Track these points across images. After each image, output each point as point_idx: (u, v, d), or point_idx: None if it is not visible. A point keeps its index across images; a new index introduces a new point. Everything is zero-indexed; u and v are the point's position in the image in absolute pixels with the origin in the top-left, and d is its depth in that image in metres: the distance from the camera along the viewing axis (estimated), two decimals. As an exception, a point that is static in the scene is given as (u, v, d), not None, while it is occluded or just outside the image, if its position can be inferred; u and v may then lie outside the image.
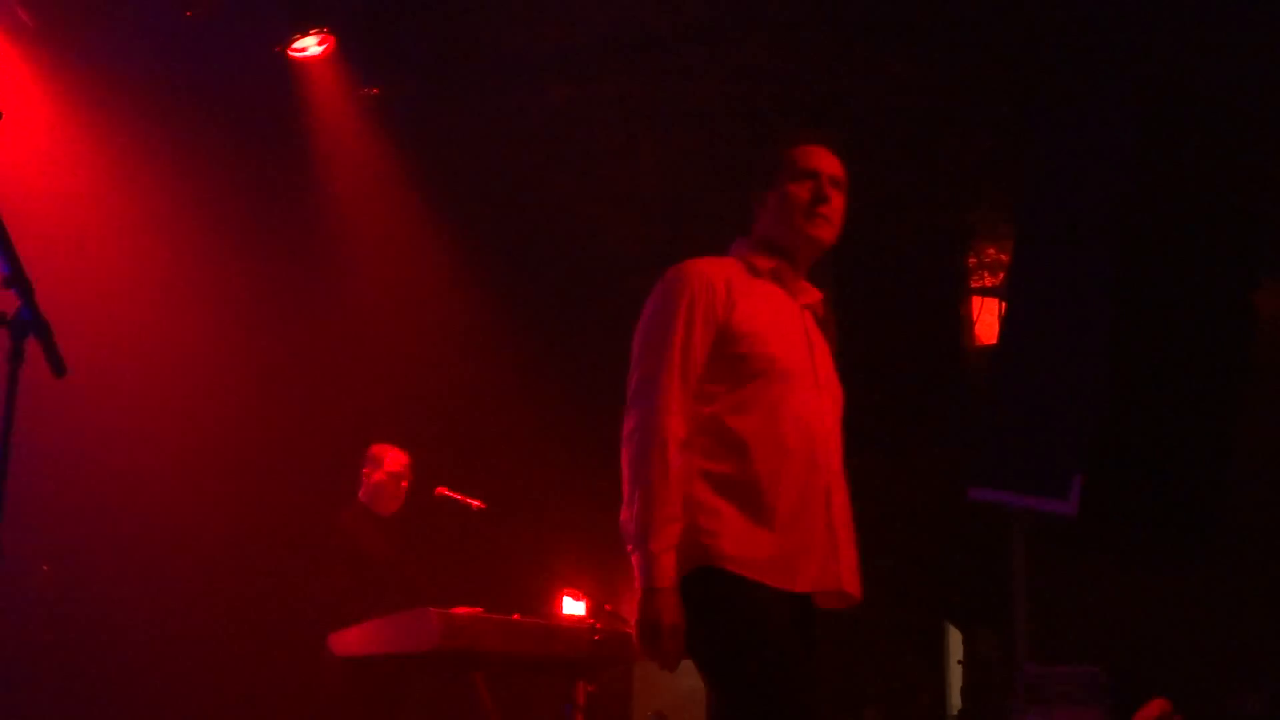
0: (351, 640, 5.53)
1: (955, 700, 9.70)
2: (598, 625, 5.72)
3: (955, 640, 10.04)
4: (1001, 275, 8.47)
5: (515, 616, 5.66)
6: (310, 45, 6.52)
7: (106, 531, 6.85)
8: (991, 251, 8.65)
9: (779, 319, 3.28)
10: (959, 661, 9.46)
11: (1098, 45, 6.43)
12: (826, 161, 3.37)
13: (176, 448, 7.10)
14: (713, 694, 3.06)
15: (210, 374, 7.25)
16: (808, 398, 3.23)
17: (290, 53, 6.54)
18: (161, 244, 7.09)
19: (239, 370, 7.35)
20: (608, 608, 6.04)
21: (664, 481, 3.04)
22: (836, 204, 3.36)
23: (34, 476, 4.67)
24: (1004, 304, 6.99)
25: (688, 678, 3.14)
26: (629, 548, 3.05)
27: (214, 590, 7.11)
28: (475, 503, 6.19)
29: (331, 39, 6.50)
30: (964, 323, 8.16)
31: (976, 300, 8.40)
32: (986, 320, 8.30)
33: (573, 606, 7.84)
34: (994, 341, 7.48)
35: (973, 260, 8.62)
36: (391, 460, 6.39)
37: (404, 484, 6.40)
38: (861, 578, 3.29)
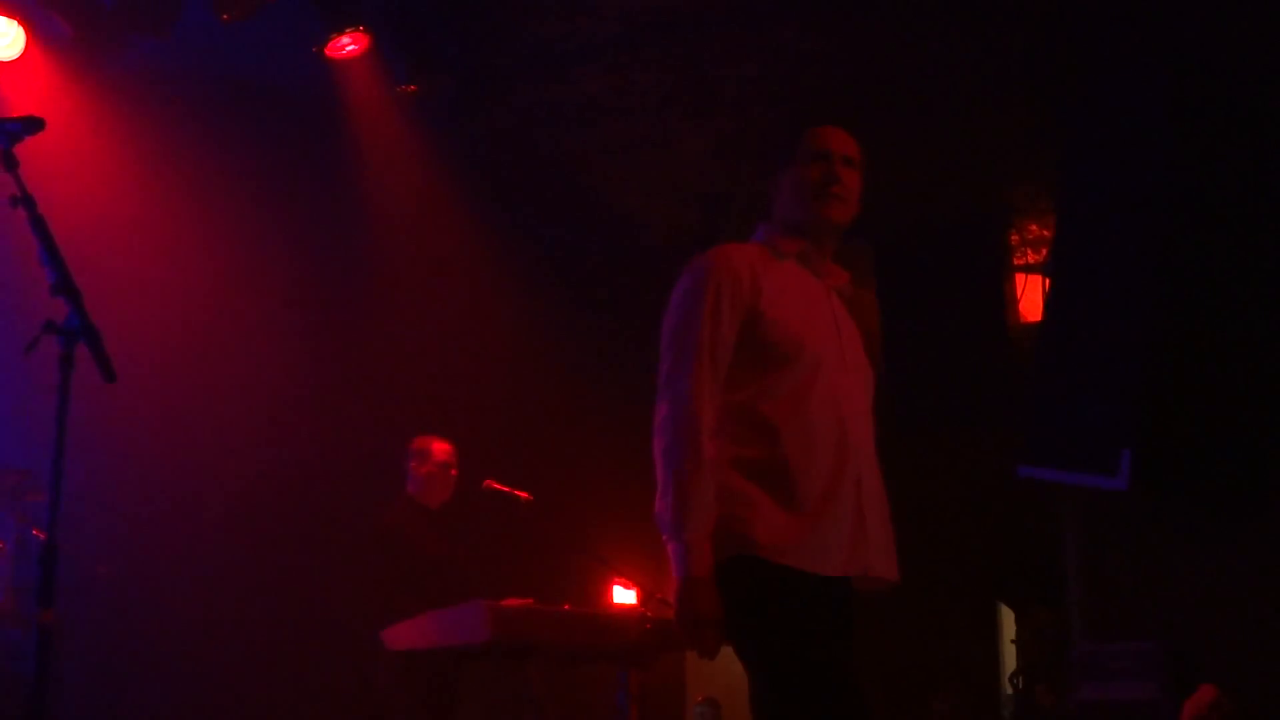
0: (404, 634, 5.56)
1: (1009, 680, 9.66)
2: (649, 614, 5.72)
3: (1008, 619, 10.00)
4: (1044, 251, 8.41)
5: (566, 607, 5.67)
6: (346, 44, 6.54)
7: (160, 533, 6.93)
8: (1034, 228, 8.59)
9: (806, 303, 3.28)
10: (1012, 641, 9.42)
11: (1135, 17, 6.37)
12: (838, 141, 3.36)
13: (226, 449, 7.17)
14: (752, 679, 3.07)
15: (255, 374, 7.31)
16: (837, 381, 3.23)
17: (327, 52, 6.56)
18: (205, 247, 7.15)
19: (283, 369, 7.40)
20: (658, 596, 6.05)
21: (696, 470, 3.05)
22: (849, 183, 3.35)
23: (87, 480, 4.74)
24: (1048, 280, 6.95)
25: (739, 663, 3.14)
26: (664, 538, 3.06)
27: (266, 587, 7.17)
28: (523, 494, 6.21)
29: (366, 38, 6.52)
30: (1008, 300, 8.11)
31: (1020, 277, 8.35)
32: (1031, 297, 8.26)
33: (623, 596, 7.85)
34: (1039, 318, 7.44)
35: (1015, 237, 8.56)
36: (438, 450, 6.43)
37: (453, 473, 6.44)
38: (903, 560, 3.28)
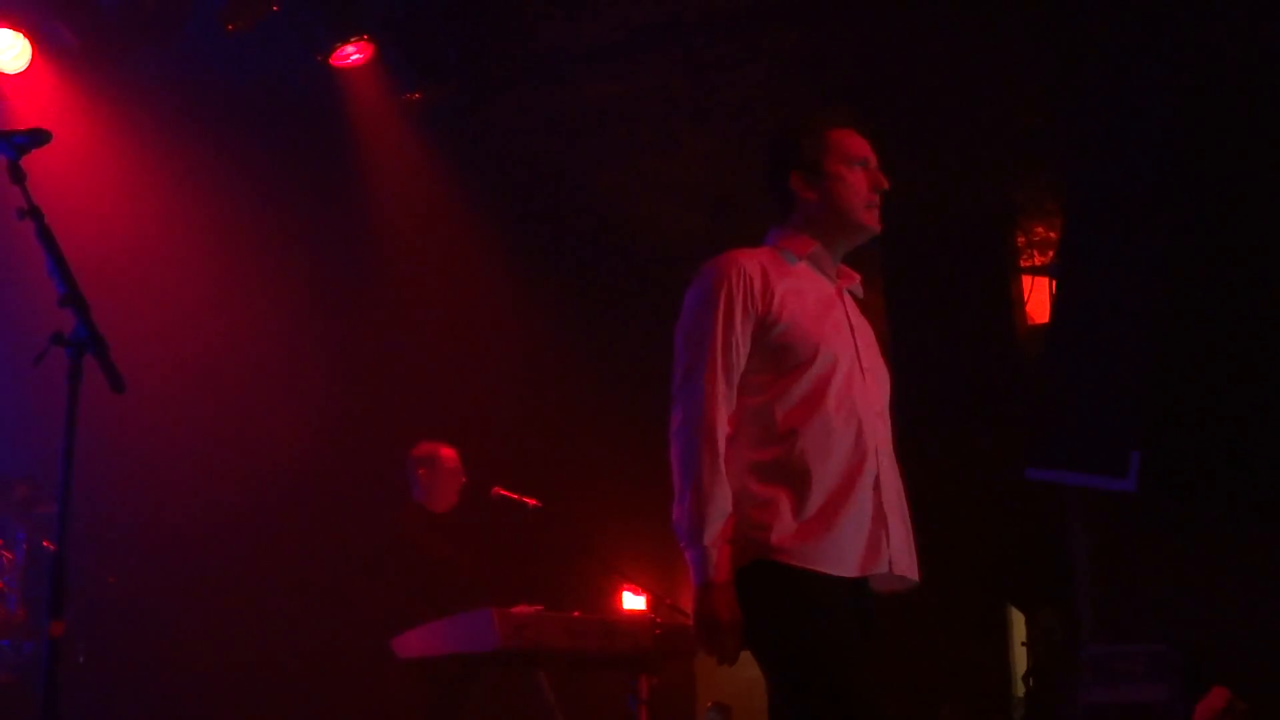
0: (414, 642, 5.56)
1: (1019, 682, 9.64)
2: (658, 619, 5.73)
3: (1018, 622, 9.98)
4: (1051, 253, 8.40)
5: (576, 613, 5.67)
6: (351, 53, 6.56)
7: (170, 544, 6.94)
8: (1040, 229, 8.58)
9: (818, 305, 3.28)
10: (1023, 644, 9.40)
11: (1143, 15, 6.36)
12: (868, 147, 3.38)
13: (234, 458, 7.17)
14: (771, 684, 3.07)
15: (262, 382, 7.31)
16: (853, 382, 3.23)
17: (332, 61, 6.57)
18: (211, 256, 7.16)
19: (290, 376, 7.41)
20: (668, 601, 6.05)
21: (713, 477, 3.05)
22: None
23: (96, 491, 4.74)
24: (1055, 282, 6.95)
25: (749, 668, 3.14)
26: (682, 544, 3.06)
27: (277, 596, 7.18)
28: (532, 501, 6.22)
29: (371, 46, 6.53)
30: (1015, 302, 8.10)
31: (1026, 279, 8.34)
32: (1038, 299, 8.25)
33: (633, 601, 7.85)
34: (1046, 320, 7.43)
35: (1021, 239, 8.55)
36: (447, 458, 6.45)
37: (462, 479, 6.46)
38: (920, 559, 3.29)
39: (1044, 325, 7.59)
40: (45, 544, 5.85)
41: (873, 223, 3.35)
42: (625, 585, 7.74)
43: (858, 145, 3.36)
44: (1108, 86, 6.04)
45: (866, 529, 3.15)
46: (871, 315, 3.55)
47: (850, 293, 3.43)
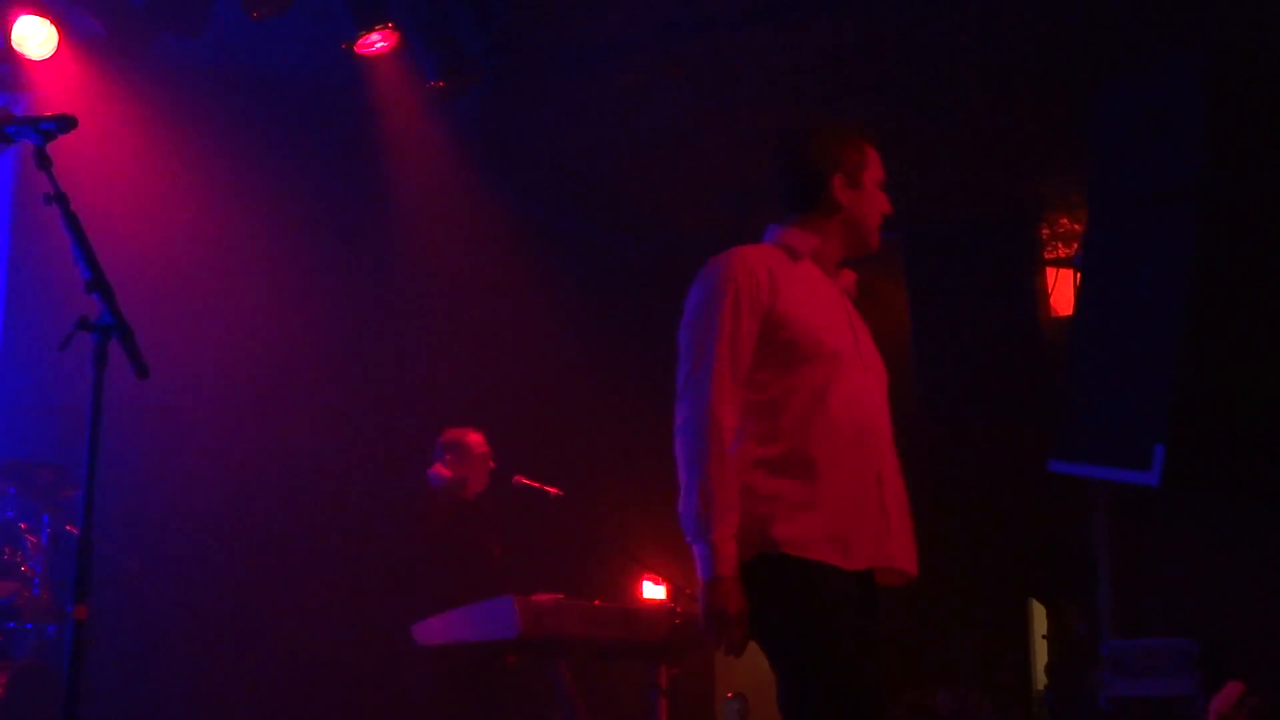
0: (435, 629, 5.58)
1: (1040, 675, 9.63)
2: (678, 609, 5.73)
3: (1039, 615, 9.97)
4: (1075, 245, 8.37)
5: (596, 602, 5.68)
6: (376, 41, 6.57)
7: (192, 528, 6.96)
8: (1065, 222, 8.55)
9: (822, 301, 3.31)
10: (1044, 636, 9.39)
11: (1169, 6, 6.33)
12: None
13: (258, 444, 7.19)
14: (778, 675, 3.10)
15: (286, 368, 7.33)
16: (856, 378, 3.26)
17: (357, 49, 6.58)
18: (234, 243, 7.18)
19: (314, 363, 7.43)
20: (688, 591, 6.05)
21: (719, 472, 3.07)
22: None
23: (120, 475, 4.76)
24: (1079, 274, 6.92)
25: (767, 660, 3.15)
26: (688, 539, 3.08)
27: (300, 580, 7.19)
28: (553, 490, 6.23)
29: (396, 34, 6.53)
30: (1039, 295, 8.08)
31: (1051, 271, 8.33)
32: (1062, 291, 8.23)
33: (653, 591, 7.86)
34: (1070, 313, 7.41)
35: (1046, 231, 8.52)
36: (475, 444, 6.47)
37: (491, 464, 6.48)
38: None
39: (1068, 318, 7.56)
40: (69, 528, 5.88)
41: (878, 244, 3.44)
42: (645, 574, 7.75)
43: (881, 168, 3.45)
44: (1134, 77, 6.01)
45: (871, 523, 3.18)
46: (894, 308, 3.57)
47: (845, 292, 3.47)
